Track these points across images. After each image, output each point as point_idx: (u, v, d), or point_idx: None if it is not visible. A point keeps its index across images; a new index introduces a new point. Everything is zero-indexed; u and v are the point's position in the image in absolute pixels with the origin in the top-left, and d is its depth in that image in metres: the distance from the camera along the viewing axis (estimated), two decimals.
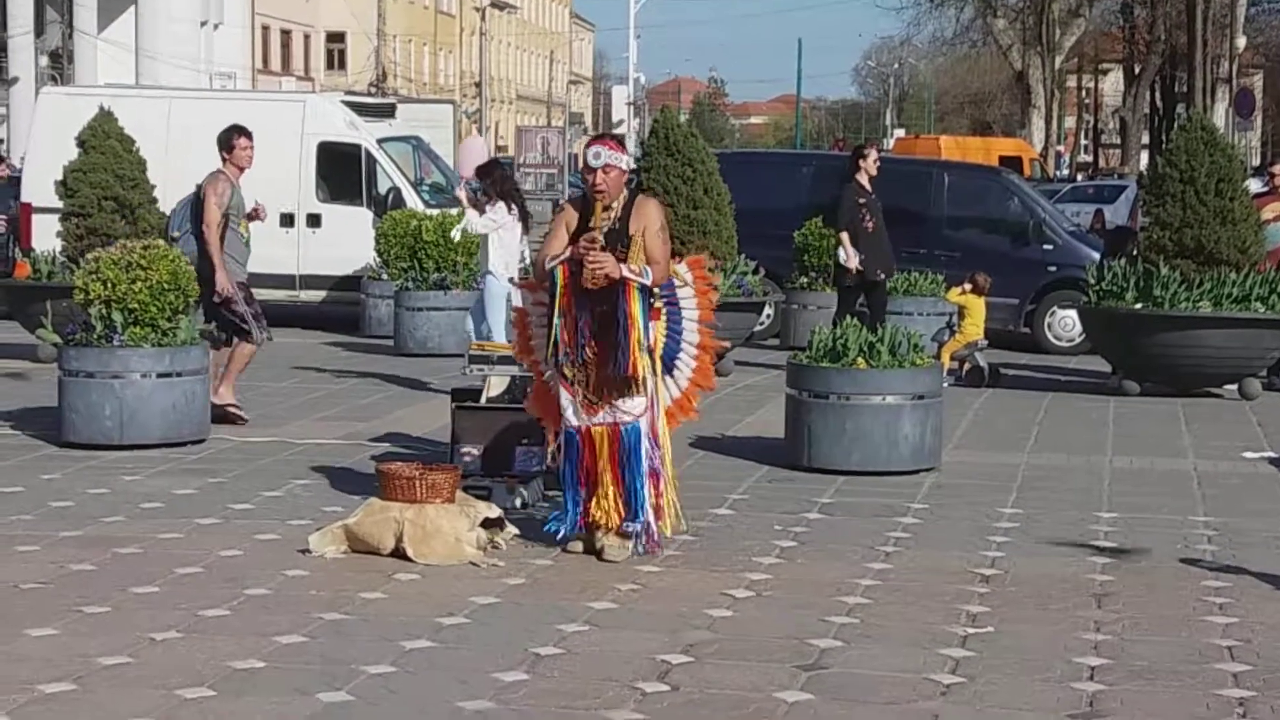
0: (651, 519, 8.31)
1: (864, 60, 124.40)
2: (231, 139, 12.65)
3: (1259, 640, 6.98)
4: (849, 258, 14.87)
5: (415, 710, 5.93)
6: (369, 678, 6.29)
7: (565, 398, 8.35)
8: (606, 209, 8.29)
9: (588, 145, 8.55)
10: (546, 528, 8.47)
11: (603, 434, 8.30)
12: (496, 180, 13.69)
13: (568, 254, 8.22)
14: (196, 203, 12.57)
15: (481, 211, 13.55)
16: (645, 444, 8.29)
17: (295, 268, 20.33)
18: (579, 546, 8.43)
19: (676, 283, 8.50)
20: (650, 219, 8.30)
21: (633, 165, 8.36)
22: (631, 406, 8.27)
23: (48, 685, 6.12)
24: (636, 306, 8.18)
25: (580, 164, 8.54)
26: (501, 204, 13.47)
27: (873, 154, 15.48)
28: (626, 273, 8.14)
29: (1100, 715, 6.00)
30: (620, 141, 8.77)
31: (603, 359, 8.24)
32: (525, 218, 13.77)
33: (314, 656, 6.55)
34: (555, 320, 8.24)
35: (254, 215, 13.00)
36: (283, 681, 6.23)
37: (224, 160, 12.60)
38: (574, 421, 8.33)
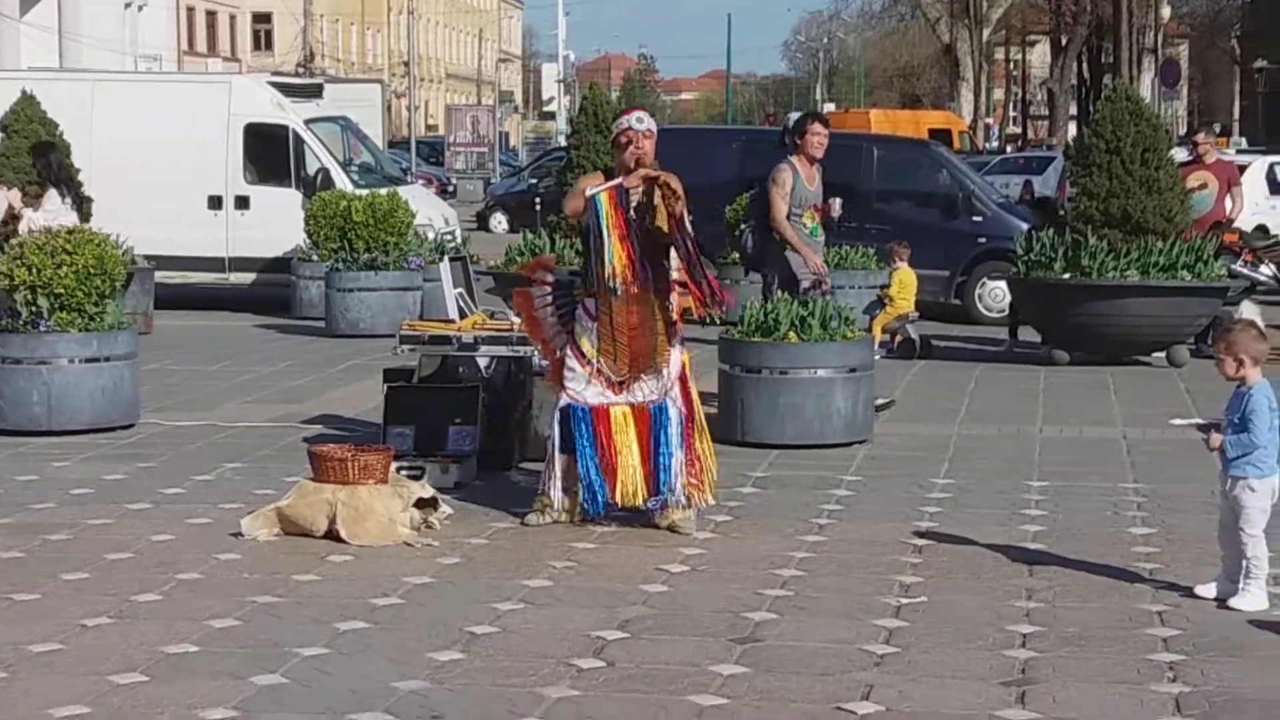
0: (679, 492, 8.34)
1: (793, 35, 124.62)
2: (804, 125, 11.66)
3: (1188, 605, 7.05)
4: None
5: (349, 691, 5.91)
6: (302, 660, 6.26)
7: (577, 372, 8.33)
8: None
9: (625, 113, 8.62)
10: (585, 512, 8.41)
11: (626, 414, 8.32)
12: (50, 166, 13.69)
13: (617, 181, 8.23)
14: (762, 195, 11.53)
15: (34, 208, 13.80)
16: (675, 420, 8.31)
17: (224, 250, 20.19)
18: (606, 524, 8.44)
19: None
20: (676, 185, 8.32)
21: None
22: (655, 386, 8.32)
23: None
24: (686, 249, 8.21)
25: (616, 132, 8.52)
26: (54, 191, 13.60)
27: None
28: (684, 212, 8.18)
29: (1032, 682, 6.05)
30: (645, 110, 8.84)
31: (640, 329, 8.25)
32: (80, 202, 13.91)
33: (247, 639, 6.52)
34: (607, 242, 8.14)
35: (824, 211, 11.67)
36: (216, 665, 6.20)
37: (795, 147, 11.60)
38: (589, 399, 8.33)
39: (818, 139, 11.56)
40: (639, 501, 8.37)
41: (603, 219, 8.17)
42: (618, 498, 8.33)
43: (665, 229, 8.29)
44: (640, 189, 8.26)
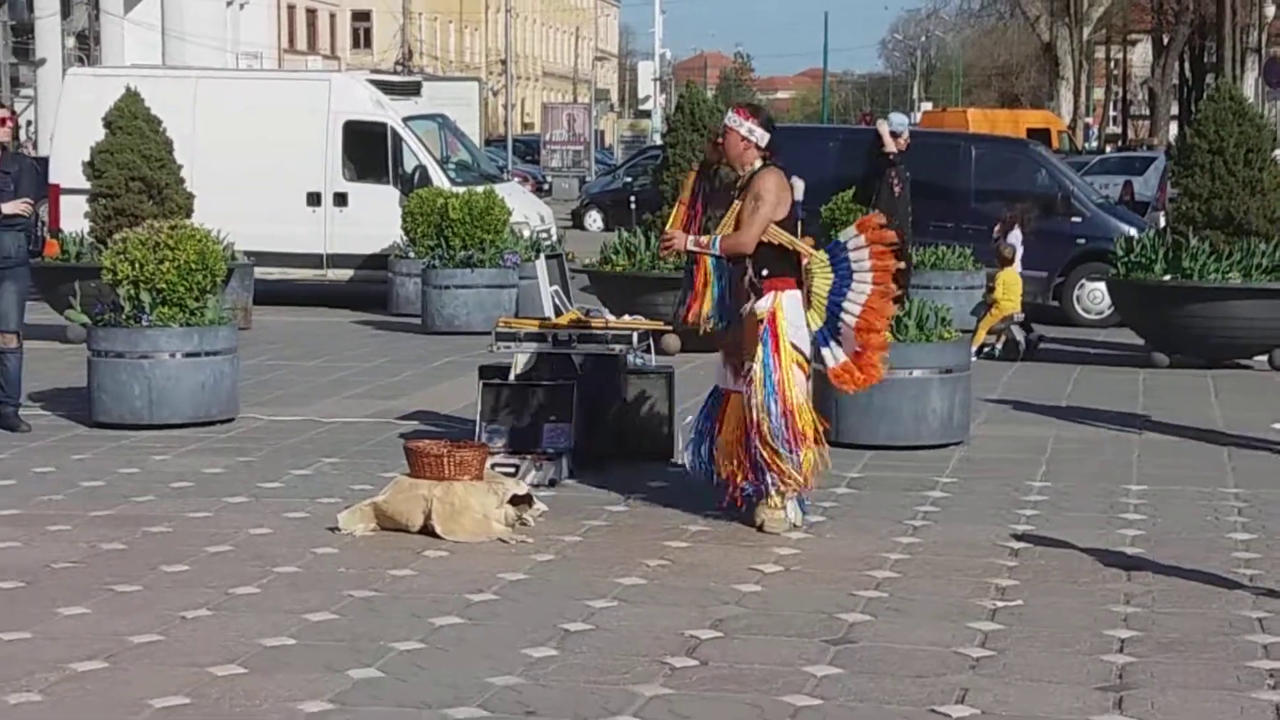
0: (774, 480, 8.37)
1: (891, 33, 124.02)
2: None
3: None
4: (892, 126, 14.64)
5: (445, 686, 5.94)
6: (399, 654, 6.31)
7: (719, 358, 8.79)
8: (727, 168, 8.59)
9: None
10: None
11: (735, 399, 8.55)
12: None
13: (694, 237, 8.63)
14: None
15: None
16: (751, 413, 8.35)
17: (322, 247, 20.37)
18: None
19: (850, 245, 8.53)
20: (755, 188, 8.42)
21: (761, 138, 8.53)
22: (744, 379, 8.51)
23: (80, 664, 6.15)
24: (701, 276, 8.51)
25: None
26: None
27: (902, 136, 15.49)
28: (691, 245, 8.48)
29: (1130, 688, 5.99)
30: (752, 111, 8.81)
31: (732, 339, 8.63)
32: None
33: (344, 633, 6.58)
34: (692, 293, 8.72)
35: None
36: (313, 658, 6.25)
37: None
38: (718, 381, 8.75)
39: None
40: (729, 471, 8.50)
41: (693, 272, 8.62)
42: (720, 471, 8.56)
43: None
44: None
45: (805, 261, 8.49)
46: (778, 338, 8.34)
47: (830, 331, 8.51)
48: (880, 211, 14.33)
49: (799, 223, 8.60)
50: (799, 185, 8.66)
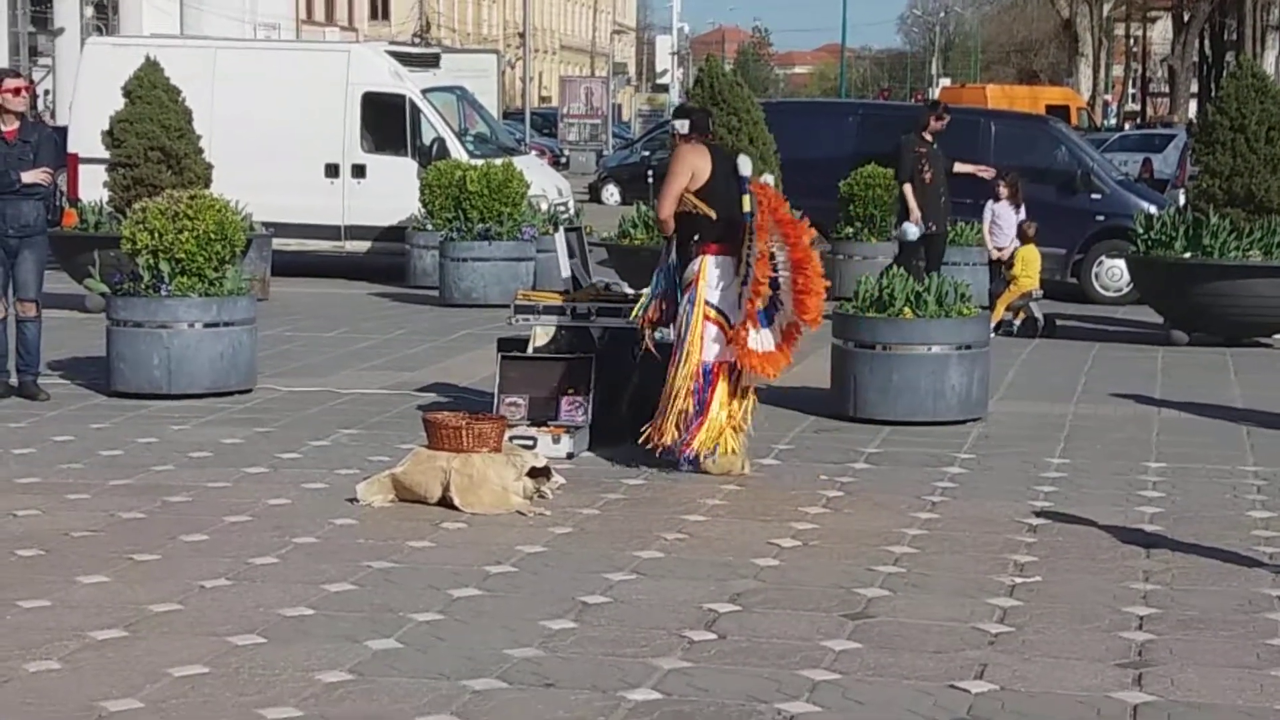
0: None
1: (909, 9, 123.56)
2: None
3: None
4: (913, 212, 14.52)
5: (463, 658, 5.95)
6: (417, 625, 6.31)
7: None
8: None
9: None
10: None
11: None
12: None
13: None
14: None
15: None
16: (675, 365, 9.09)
17: (340, 218, 20.36)
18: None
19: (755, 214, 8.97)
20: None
21: (681, 127, 9.38)
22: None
23: (99, 632, 6.17)
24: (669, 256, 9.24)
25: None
26: None
27: (945, 119, 15.25)
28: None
29: (1149, 665, 5.98)
30: (678, 110, 9.82)
31: None
32: None
33: (363, 604, 6.58)
34: None
35: None
36: (332, 629, 6.26)
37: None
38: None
39: None
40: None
41: None
42: None
43: None
44: None
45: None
46: (698, 300, 8.93)
47: (770, 308, 8.93)
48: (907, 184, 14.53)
49: (747, 195, 8.93)
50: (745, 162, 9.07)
